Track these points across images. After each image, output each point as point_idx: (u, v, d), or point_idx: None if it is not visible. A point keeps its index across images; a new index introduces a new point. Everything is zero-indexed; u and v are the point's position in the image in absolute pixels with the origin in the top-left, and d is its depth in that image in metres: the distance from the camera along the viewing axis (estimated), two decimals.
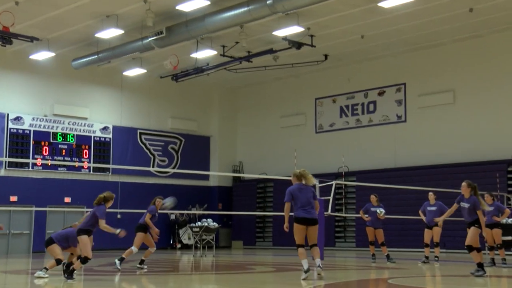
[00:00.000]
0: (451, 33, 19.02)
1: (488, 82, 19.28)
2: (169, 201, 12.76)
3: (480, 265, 10.06)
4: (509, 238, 13.12)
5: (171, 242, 23.44)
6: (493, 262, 13.07)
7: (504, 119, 18.79)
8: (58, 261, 9.93)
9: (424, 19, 17.47)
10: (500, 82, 19.00)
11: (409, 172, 20.18)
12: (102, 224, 9.70)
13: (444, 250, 17.51)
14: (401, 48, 20.55)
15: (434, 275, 11.22)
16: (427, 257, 13.82)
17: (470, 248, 10.15)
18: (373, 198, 14.41)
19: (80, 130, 21.73)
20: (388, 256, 13.92)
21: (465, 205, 10.37)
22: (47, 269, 10.00)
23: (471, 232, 10.25)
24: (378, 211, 14.07)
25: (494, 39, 19.14)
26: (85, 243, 9.55)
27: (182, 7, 15.83)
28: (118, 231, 9.78)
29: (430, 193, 14.12)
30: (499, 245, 13.11)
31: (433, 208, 13.89)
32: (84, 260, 9.47)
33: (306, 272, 9.30)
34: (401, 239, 19.27)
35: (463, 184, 10.52)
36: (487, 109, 19.20)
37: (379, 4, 15.61)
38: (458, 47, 19.89)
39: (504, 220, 13.22)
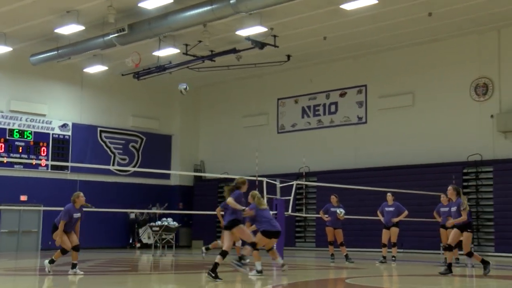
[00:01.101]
0: (411, 37, 19.37)
1: (446, 85, 19.70)
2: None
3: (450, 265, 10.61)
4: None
5: (131, 241, 23.20)
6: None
7: (460, 122, 19.23)
8: (63, 252, 10.12)
9: (385, 22, 17.74)
10: (457, 85, 19.43)
11: (368, 173, 20.46)
12: (231, 201, 9.94)
13: (401, 250, 17.83)
14: (363, 50, 20.82)
15: (391, 274, 11.40)
16: (384, 257, 14.05)
17: (451, 248, 10.62)
18: (333, 198, 14.57)
19: (38, 127, 21.30)
20: (346, 256, 14.09)
21: (454, 208, 10.76)
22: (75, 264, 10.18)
23: (466, 237, 10.60)
24: (338, 211, 14.23)
25: (452, 43, 19.56)
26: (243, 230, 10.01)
27: (145, 5, 15.67)
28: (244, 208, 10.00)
29: (388, 194, 14.35)
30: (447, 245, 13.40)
31: (391, 209, 14.13)
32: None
33: (259, 272, 10.07)
34: (359, 239, 19.53)
35: (449, 188, 11.02)
36: (444, 112, 19.62)
37: (341, 6, 15.78)
38: (418, 50, 20.27)
39: None
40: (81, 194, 10.54)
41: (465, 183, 19.04)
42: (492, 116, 18.60)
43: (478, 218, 18.53)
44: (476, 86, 19.11)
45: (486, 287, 9.64)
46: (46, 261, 10.58)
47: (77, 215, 10.43)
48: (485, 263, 10.41)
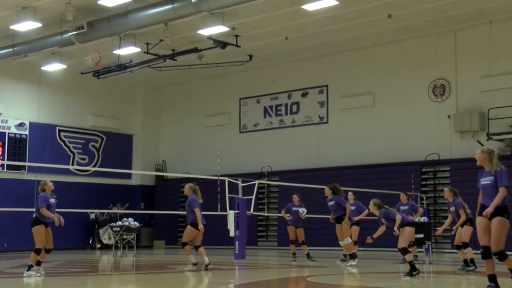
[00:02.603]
0: (372, 38, 19.65)
1: (405, 86, 20.06)
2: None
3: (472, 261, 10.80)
4: (421, 235, 13.69)
5: (91, 242, 22.85)
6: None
7: (418, 122, 19.60)
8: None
9: (345, 23, 17.94)
10: (416, 86, 19.81)
11: (330, 172, 20.64)
12: None
13: (362, 248, 18.05)
14: (324, 51, 21.02)
15: (352, 272, 11.54)
16: (345, 255, 14.18)
17: (466, 245, 10.82)
18: (295, 197, 14.64)
19: None
20: (308, 255, 14.19)
21: (452, 208, 11.06)
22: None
23: (464, 230, 10.87)
24: (300, 210, 14.32)
25: (411, 45, 19.93)
26: None
27: (104, 2, 15.45)
28: None
29: (350, 193, 14.49)
30: (412, 243, 13.63)
31: (352, 208, 14.25)
32: None
33: (194, 265, 11.10)
34: (321, 238, 19.69)
35: (446, 190, 11.31)
36: (404, 112, 19.97)
37: (303, 7, 15.88)
38: (378, 51, 20.58)
39: (417, 218, 13.78)
40: (48, 180, 10.35)
41: (423, 182, 19.45)
42: (449, 116, 19.03)
43: (436, 216, 18.93)
44: (434, 87, 19.52)
45: (444, 283, 9.86)
46: (27, 272, 9.93)
47: (52, 200, 10.19)
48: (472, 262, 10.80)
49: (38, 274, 10.00)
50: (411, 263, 9.76)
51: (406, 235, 10.04)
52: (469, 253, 10.97)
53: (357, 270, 11.74)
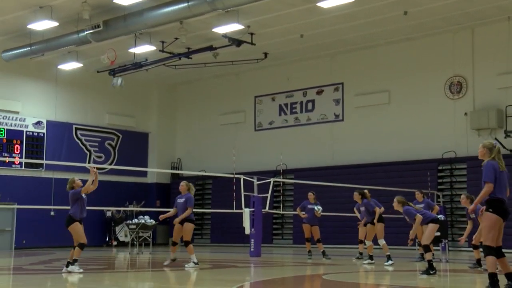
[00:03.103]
0: (387, 35, 19.53)
1: (421, 83, 19.92)
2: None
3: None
4: (437, 234, 13.57)
5: (107, 239, 23.02)
6: (422, 257, 13.55)
7: (435, 120, 19.46)
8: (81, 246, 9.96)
9: (361, 20, 17.85)
10: (432, 83, 19.66)
11: (345, 170, 20.59)
12: None
13: (377, 247, 17.96)
14: (339, 49, 20.93)
15: (367, 270, 11.50)
16: (361, 253, 14.14)
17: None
18: (310, 195, 14.61)
19: (11, 124, 20.97)
20: (323, 253, 14.17)
21: (472, 215, 10.63)
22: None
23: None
24: (316, 208, 14.28)
25: (426, 42, 19.78)
26: None
27: (120, 1, 15.53)
28: None
29: (365, 191, 14.42)
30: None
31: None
32: None
33: (173, 260, 11.75)
34: (336, 236, 19.65)
35: (462, 197, 11.07)
36: (420, 110, 19.84)
37: (318, 4, 15.84)
38: (393, 49, 20.45)
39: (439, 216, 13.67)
40: (76, 178, 10.54)
41: (440, 180, 19.30)
42: (466, 113, 18.87)
43: (453, 214, 18.79)
44: (450, 85, 19.36)
45: (461, 281, 9.79)
46: (69, 268, 10.04)
47: (84, 196, 10.40)
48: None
49: (82, 270, 10.10)
50: (429, 262, 9.69)
51: (428, 232, 9.98)
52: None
53: (373, 268, 11.70)
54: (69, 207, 10.37)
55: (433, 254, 13.18)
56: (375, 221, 12.91)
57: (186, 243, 11.40)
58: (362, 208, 13.25)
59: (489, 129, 18.23)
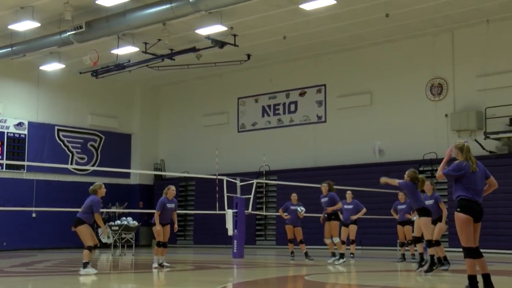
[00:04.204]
0: (369, 37, 19.62)
1: (403, 85, 20.04)
2: None
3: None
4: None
5: None
6: (403, 258, 13.64)
7: (416, 121, 19.58)
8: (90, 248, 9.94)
9: (343, 22, 17.92)
10: (413, 85, 19.79)
11: (328, 171, 20.61)
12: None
13: (359, 247, 18.04)
14: (322, 50, 20.99)
15: (349, 271, 11.53)
16: (341, 254, 14.15)
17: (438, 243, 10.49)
18: (293, 196, 14.62)
19: None
20: (306, 254, 14.18)
21: (430, 201, 10.65)
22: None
23: (437, 227, 10.58)
24: (298, 209, 14.29)
25: (407, 44, 19.91)
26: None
27: (103, 2, 15.40)
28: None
29: (348, 192, 14.49)
30: (409, 241, 13.65)
31: (350, 206, 14.26)
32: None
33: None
34: (319, 237, 19.62)
35: (426, 183, 10.90)
36: (401, 111, 19.95)
37: (301, 6, 15.86)
38: (375, 50, 20.55)
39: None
40: (103, 185, 10.51)
41: None
42: (446, 115, 19.02)
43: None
44: (431, 86, 19.51)
45: (441, 281, 9.84)
46: (84, 270, 10.11)
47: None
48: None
49: (96, 271, 10.05)
50: (432, 257, 9.72)
51: (425, 227, 9.99)
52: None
53: (355, 269, 11.72)
54: (52, 209, 10.29)
55: (413, 254, 13.30)
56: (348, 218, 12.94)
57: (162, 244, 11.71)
58: (325, 199, 13.04)
59: (469, 131, 18.39)
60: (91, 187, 10.46)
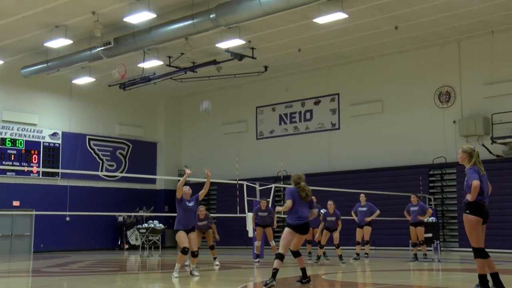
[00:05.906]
0: (379, 48, 19.54)
1: (412, 93, 19.91)
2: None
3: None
4: (430, 235, 13.54)
5: (119, 243, 22.96)
6: (415, 257, 13.50)
7: (425, 127, 19.43)
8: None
9: (354, 35, 17.88)
10: (422, 93, 19.66)
11: (342, 175, 20.55)
12: None
13: (373, 248, 17.91)
14: (335, 61, 20.95)
15: (364, 270, 11.44)
16: (358, 254, 14.10)
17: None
18: (312, 199, 14.54)
19: (29, 136, 21.00)
20: (324, 254, 14.09)
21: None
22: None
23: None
24: (321, 211, 14.24)
25: (416, 54, 19.79)
26: None
27: (129, 19, 15.56)
28: None
29: (362, 195, 14.41)
30: (421, 242, 13.53)
31: (364, 209, 14.18)
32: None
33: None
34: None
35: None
36: (411, 118, 19.81)
37: (314, 20, 15.85)
38: (386, 61, 20.46)
39: (426, 219, 13.65)
40: (188, 188, 10.21)
41: (431, 184, 19.25)
42: (454, 121, 18.84)
43: (444, 216, 18.72)
44: (439, 94, 19.35)
45: (452, 280, 9.73)
46: (176, 274, 9.58)
47: (190, 204, 10.24)
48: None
49: (176, 275, 9.57)
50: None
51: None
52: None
53: (370, 268, 11.63)
54: (85, 213, 10.31)
55: (425, 254, 13.13)
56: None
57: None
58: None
59: (476, 136, 18.20)
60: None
